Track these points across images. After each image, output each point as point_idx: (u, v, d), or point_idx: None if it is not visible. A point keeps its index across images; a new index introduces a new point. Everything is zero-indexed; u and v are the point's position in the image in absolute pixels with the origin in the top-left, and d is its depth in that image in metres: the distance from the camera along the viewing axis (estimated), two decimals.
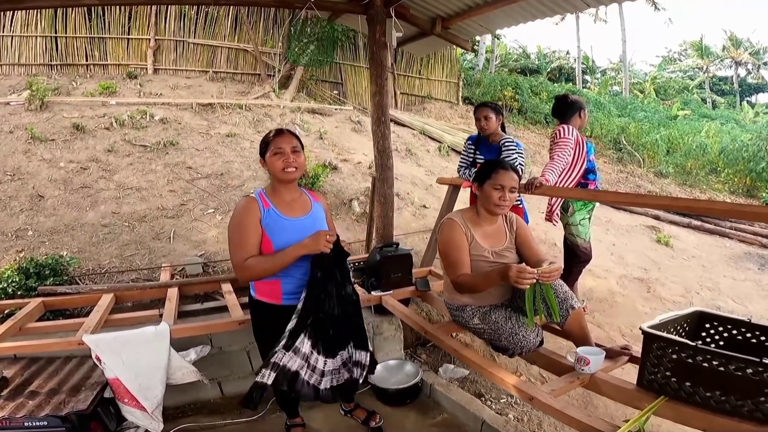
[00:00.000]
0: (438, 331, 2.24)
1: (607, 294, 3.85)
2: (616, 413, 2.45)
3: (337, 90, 9.28)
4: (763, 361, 1.23)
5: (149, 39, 7.98)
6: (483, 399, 2.50)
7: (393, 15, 2.96)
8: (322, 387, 1.75)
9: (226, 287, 2.89)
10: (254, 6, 7.52)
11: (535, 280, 1.66)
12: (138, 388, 2.03)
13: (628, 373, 1.87)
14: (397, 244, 2.95)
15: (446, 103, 10.81)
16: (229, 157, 5.43)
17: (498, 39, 21.00)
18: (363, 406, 2.30)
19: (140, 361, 2.04)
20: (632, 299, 3.83)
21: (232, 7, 8.01)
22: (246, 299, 2.72)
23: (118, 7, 7.55)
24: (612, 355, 1.90)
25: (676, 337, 1.42)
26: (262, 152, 1.76)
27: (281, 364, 1.67)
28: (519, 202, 3.06)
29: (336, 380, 1.80)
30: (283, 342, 1.68)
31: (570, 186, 2.94)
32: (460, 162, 3.24)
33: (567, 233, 3.17)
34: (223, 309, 2.67)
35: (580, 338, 1.94)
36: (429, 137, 8.19)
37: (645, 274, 4.39)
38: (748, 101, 25.62)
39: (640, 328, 1.51)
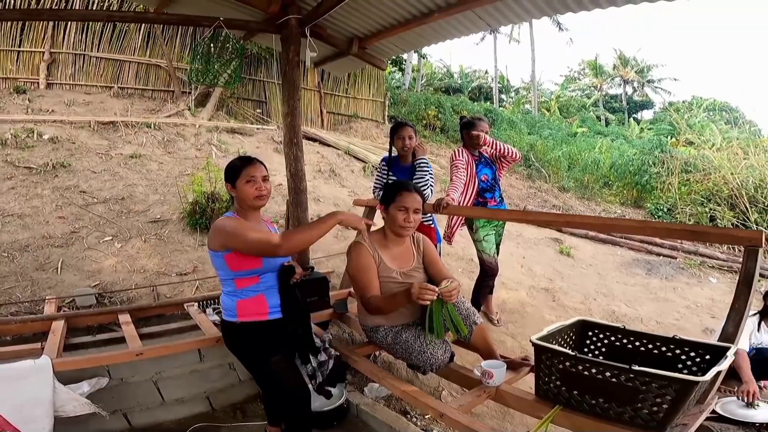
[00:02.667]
0: (353, 353, 2.25)
1: (518, 305, 4.09)
2: (531, 422, 2.59)
3: (260, 109, 9.05)
4: (632, 367, 1.35)
5: (43, 52, 7.22)
6: (408, 416, 2.51)
7: (308, 35, 2.95)
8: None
9: (124, 318, 2.73)
10: (158, 24, 7.06)
11: (436, 296, 1.72)
12: (21, 420, 1.96)
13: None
14: (312, 268, 2.87)
15: (372, 122, 10.99)
16: (132, 180, 5.01)
17: (423, 58, 21.95)
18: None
19: (22, 394, 1.97)
20: (540, 309, 4.10)
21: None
22: (148, 329, 2.70)
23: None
24: (515, 366, 2.00)
25: (558, 348, 1.52)
26: (231, 179, 1.82)
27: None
28: (431, 222, 3.12)
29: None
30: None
31: (467, 205, 3.10)
32: (375, 183, 3.28)
33: (476, 249, 3.33)
34: (120, 340, 2.53)
35: (486, 352, 2.03)
36: (354, 157, 8.24)
37: (551, 284, 4.74)
38: (634, 118, 28.84)
39: (530, 340, 1.60)
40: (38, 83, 7.15)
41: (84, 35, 7.46)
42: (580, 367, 1.47)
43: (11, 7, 6.67)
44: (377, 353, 2.70)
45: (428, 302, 1.72)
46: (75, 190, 4.68)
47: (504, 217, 3.01)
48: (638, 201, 9.68)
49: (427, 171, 3.02)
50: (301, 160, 3.03)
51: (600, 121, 26.16)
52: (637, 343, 1.76)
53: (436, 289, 1.72)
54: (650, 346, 1.73)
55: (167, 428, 2.42)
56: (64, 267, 3.60)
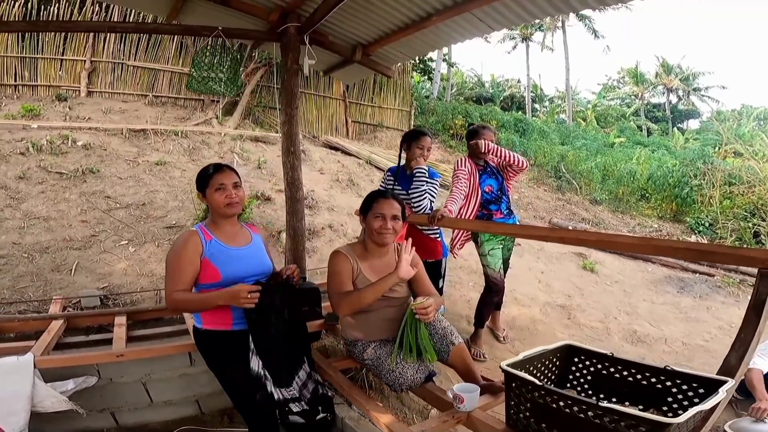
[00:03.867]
0: (330, 366, 2.19)
1: (528, 322, 3.89)
2: None
3: None
4: (599, 404, 1.21)
5: (84, 60, 7.65)
6: None
7: (307, 42, 2.95)
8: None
9: (120, 320, 2.81)
10: (159, 33, 7.31)
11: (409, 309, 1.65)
12: (1, 413, 2.04)
13: None
14: (304, 278, 2.85)
15: (398, 132, 10.90)
16: (155, 186, 5.20)
17: (452, 67, 21.82)
18: None
19: (3, 389, 2.06)
20: (552, 327, 3.88)
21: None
22: (140, 332, 2.74)
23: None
24: (494, 390, 1.87)
25: (526, 376, 1.40)
26: (201, 187, 1.81)
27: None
28: (437, 236, 2.99)
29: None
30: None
31: (470, 217, 2.97)
32: None
33: (481, 263, 3.20)
34: (111, 341, 2.59)
35: (465, 373, 1.92)
36: (375, 167, 8.23)
37: (568, 301, 4.49)
38: (679, 128, 27.42)
39: (500, 366, 1.48)
40: (79, 91, 7.59)
41: (122, 44, 7.83)
42: (549, 399, 1.34)
43: (46, 17, 7.10)
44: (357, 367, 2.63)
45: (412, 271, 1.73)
46: (100, 195, 4.90)
47: (497, 231, 2.86)
48: (677, 215, 9.10)
49: (425, 180, 2.91)
50: (298, 169, 3.02)
51: (641, 131, 25.01)
52: (626, 373, 1.60)
53: (411, 301, 1.64)
54: (639, 376, 1.57)
55: (154, 429, 2.44)
56: (78, 269, 3.75)
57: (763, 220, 6.99)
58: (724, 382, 1.35)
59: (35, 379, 2.12)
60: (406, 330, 1.74)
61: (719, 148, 12.04)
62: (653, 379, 1.53)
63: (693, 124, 30.66)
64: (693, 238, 7.78)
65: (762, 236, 6.82)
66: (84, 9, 7.45)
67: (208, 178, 1.80)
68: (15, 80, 7.36)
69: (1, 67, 7.28)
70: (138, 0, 3.15)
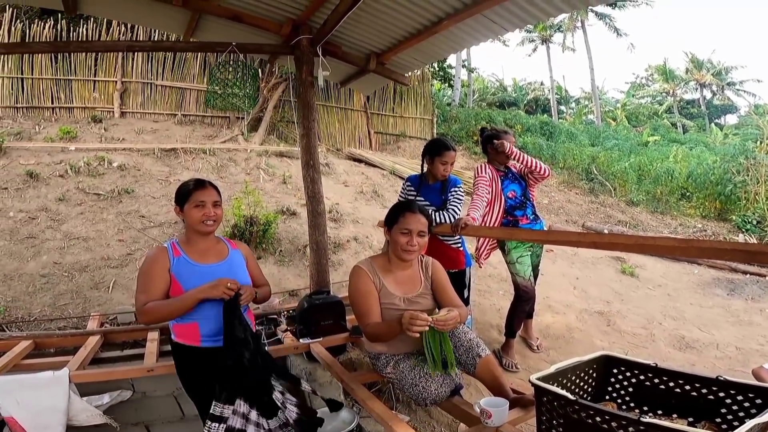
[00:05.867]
0: (353, 380, 2.13)
1: (564, 330, 3.71)
2: None
3: None
4: (641, 419, 1.10)
5: (116, 81, 7.91)
6: None
7: (320, 54, 2.96)
8: None
9: (152, 335, 2.87)
10: (176, 51, 7.50)
11: (427, 328, 1.57)
12: (35, 426, 2.12)
13: None
14: (328, 291, 2.85)
15: (421, 141, 10.84)
16: None
17: (472, 72, 21.64)
18: None
19: (40, 402, 2.13)
20: (590, 334, 3.69)
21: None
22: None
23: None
24: (525, 404, 1.76)
25: (558, 390, 1.29)
26: (180, 202, 1.78)
27: (227, 419, 1.65)
28: (459, 245, 2.87)
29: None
30: (223, 395, 1.67)
31: (494, 224, 2.87)
32: None
33: (510, 271, 3.08)
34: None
35: (494, 386, 1.82)
36: (399, 177, 8.17)
37: (606, 307, 4.27)
38: (716, 123, 26.16)
39: (529, 380, 1.38)
40: (113, 112, 7.89)
41: (150, 64, 8.09)
42: (584, 414, 1.23)
43: (76, 38, 7.44)
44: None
45: (416, 334, 1.57)
46: (135, 215, 5.07)
47: (524, 237, 2.73)
48: (722, 213, 8.62)
49: (462, 197, 2.82)
50: (318, 182, 2.99)
51: (676, 128, 23.95)
52: (672, 384, 1.46)
53: (428, 318, 1.57)
54: (687, 387, 1.43)
55: None
56: (115, 286, 3.88)
57: None
58: None
59: (71, 393, 2.19)
60: (428, 342, 1.66)
61: (761, 143, 11.36)
62: (704, 390, 1.39)
63: (731, 119, 29.27)
64: (740, 237, 7.30)
65: None
66: (111, 30, 7.76)
67: (188, 193, 1.76)
68: (52, 102, 7.66)
69: (38, 89, 7.59)
70: (156, 19, 3.26)
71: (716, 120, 28.54)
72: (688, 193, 9.53)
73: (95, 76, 7.87)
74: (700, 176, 9.31)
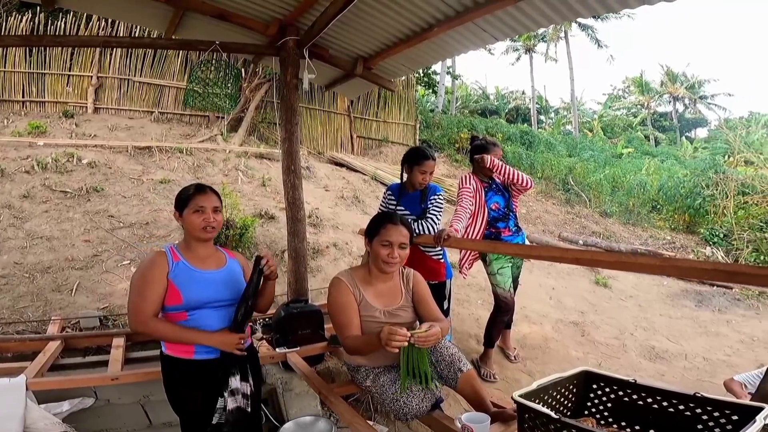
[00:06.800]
0: (331, 392, 2.09)
1: (540, 340, 3.74)
2: None
3: None
4: None
5: (91, 76, 7.67)
6: None
7: (306, 56, 2.91)
8: None
9: (118, 341, 2.78)
10: (154, 48, 7.35)
11: (406, 343, 1.53)
12: None
13: None
14: (306, 300, 2.78)
15: (403, 146, 10.78)
16: (159, 204, 5.16)
17: (456, 79, 21.89)
18: None
19: None
20: (566, 345, 3.73)
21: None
22: (138, 354, 2.71)
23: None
24: (506, 418, 1.75)
25: (540, 408, 1.28)
26: (179, 207, 1.75)
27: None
28: (441, 257, 2.85)
29: None
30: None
31: (477, 236, 2.86)
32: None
33: (490, 282, 3.08)
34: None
35: (474, 401, 1.80)
36: (380, 182, 8.15)
37: (581, 318, 4.34)
38: (687, 137, 27.10)
39: (512, 397, 1.36)
40: (86, 107, 7.61)
41: (128, 60, 7.85)
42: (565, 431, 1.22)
43: (54, 32, 7.15)
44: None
45: (395, 350, 1.54)
46: (104, 215, 4.86)
47: (506, 251, 2.74)
48: (691, 226, 8.92)
49: (442, 205, 2.80)
50: (299, 188, 2.93)
51: (649, 140, 24.78)
52: (650, 400, 1.47)
53: (407, 333, 1.53)
54: (665, 403, 1.44)
55: None
56: (79, 289, 3.69)
57: None
58: (760, 408, 1.22)
59: (27, 401, 2.12)
60: (407, 358, 1.62)
61: (729, 157, 11.84)
62: (681, 407, 1.40)
63: (701, 132, 30.36)
64: (708, 250, 7.57)
65: None
66: (90, 24, 7.53)
67: (188, 198, 1.72)
68: (23, 96, 7.37)
69: (9, 82, 7.30)
70: (137, 15, 3.14)
71: (687, 133, 29.57)
72: (658, 206, 9.83)
73: (70, 71, 7.60)
74: (671, 189, 9.62)
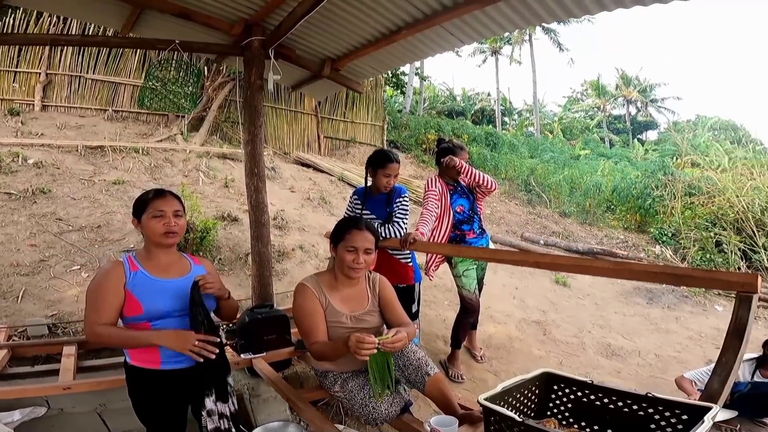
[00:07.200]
0: (299, 398, 2.07)
1: (505, 340, 3.84)
2: None
3: None
4: None
5: (39, 73, 7.29)
6: None
7: (272, 57, 2.85)
8: None
9: (69, 350, 2.68)
10: (107, 47, 7.14)
11: (375, 351, 1.53)
12: None
13: None
14: (271, 305, 2.73)
15: (371, 147, 10.82)
16: (111, 207, 4.91)
17: (424, 81, 22.13)
18: None
19: None
20: (529, 344, 3.84)
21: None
22: (92, 362, 2.63)
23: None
24: (473, 420, 1.77)
25: (504, 411, 1.31)
26: (137, 212, 1.66)
27: None
28: (409, 260, 2.85)
29: None
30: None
31: (443, 239, 2.90)
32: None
33: (456, 284, 3.13)
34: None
35: (443, 404, 1.82)
36: (348, 183, 8.10)
37: (543, 317, 4.48)
38: (639, 139, 28.44)
39: (478, 401, 1.39)
40: (33, 105, 7.19)
41: (80, 57, 7.50)
42: None
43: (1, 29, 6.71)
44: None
45: (366, 357, 1.53)
46: (51, 218, 4.58)
47: (471, 255, 2.80)
48: (642, 226, 9.38)
49: (408, 207, 2.81)
50: (262, 191, 2.86)
51: (604, 142, 25.93)
52: (606, 400, 1.53)
53: (375, 341, 1.53)
54: (620, 403, 1.50)
55: None
56: (26, 296, 3.47)
57: (724, 230, 7.26)
58: (708, 408, 1.30)
59: None
60: (374, 364, 1.62)
61: (677, 159, 12.57)
62: (635, 407, 1.47)
63: (651, 135, 31.92)
64: (657, 249, 8.00)
65: (724, 245, 7.08)
66: (41, 21, 7.12)
67: (146, 203, 1.64)
68: None
69: None
70: (91, 13, 2.96)
71: (639, 135, 30.97)
72: (612, 206, 10.30)
73: (17, 67, 7.16)
74: (624, 190, 10.09)
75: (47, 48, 7.28)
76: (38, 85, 7.27)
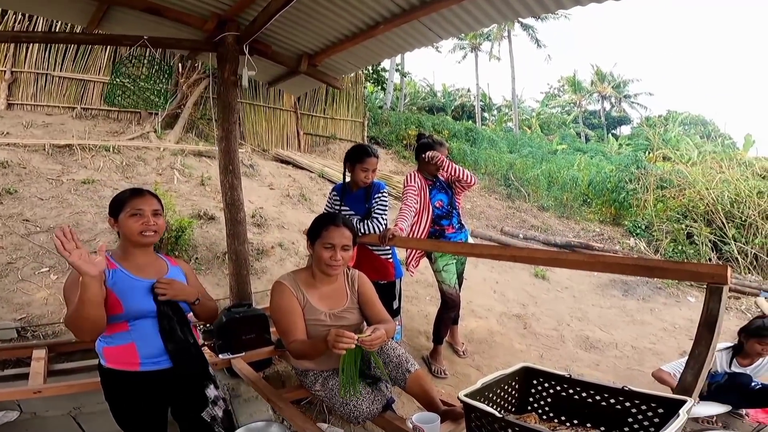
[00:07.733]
0: (279, 398, 2.05)
1: (486, 334, 3.87)
2: None
3: None
4: None
5: (4, 71, 6.97)
6: None
7: (247, 52, 2.78)
8: None
9: (38, 353, 2.62)
10: (72, 43, 6.85)
11: (354, 345, 1.52)
12: None
13: None
14: (249, 304, 2.68)
15: (351, 143, 10.74)
16: (81, 207, 4.74)
17: (405, 77, 22.09)
18: None
19: None
20: (510, 338, 3.89)
21: None
22: (63, 366, 2.60)
23: None
24: (455, 416, 1.78)
25: (484, 407, 1.31)
26: (114, 212, 1.63)
27: None
28: (389, 256, 2.84)
29: None
30: None
31: (422, 234, 2.90)
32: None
33: (436, 279, 3.13)
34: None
35: (424, 400, 1.83)
36: (328, 180, 8.03)
37: (523, 310, 4.54)
38: (613, 134, 29.13)
39: (458, 397, 1.39)
40: None
41: (47, 54, 7.23)
42: (509, 430, 1.26)
43: None
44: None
45: (342, 352, 1.51)
46: (18, 219, 4.39)
47: (449, 250, 2.81)
48: (617, 218, 9.62)
49: (386, 203, 2.79)
50: (238, 188, 2.80)
51: (580, 137, 26.45)
52: (584, 394, 1.55)
53: (355, 336, 1.51)
54: (598, 397, 1.52)
55: None
56: None
57: (695, 222, 7.50)
58: (683, 401, 1.32)
59: None
60: (347, 362, 1.61)
61: (650, 153, 12.92)
62: (612, 400, 1.50)
63: (625, 130, 32.64)
64: (631, 241, 8.22)
65: (695, 237, 7.31)
66: (6, 18, 6.81)
67: (123, 201, 1.60)
68: None
69: None
70: (55, 9, 2.82)
71: (613, 130, 31.67)
72: (588, 200, 10.53)
73: None
74: (599, 184, 10.33)
75: (12, 45, 6.99)
76: (3, 83, 6.98)
